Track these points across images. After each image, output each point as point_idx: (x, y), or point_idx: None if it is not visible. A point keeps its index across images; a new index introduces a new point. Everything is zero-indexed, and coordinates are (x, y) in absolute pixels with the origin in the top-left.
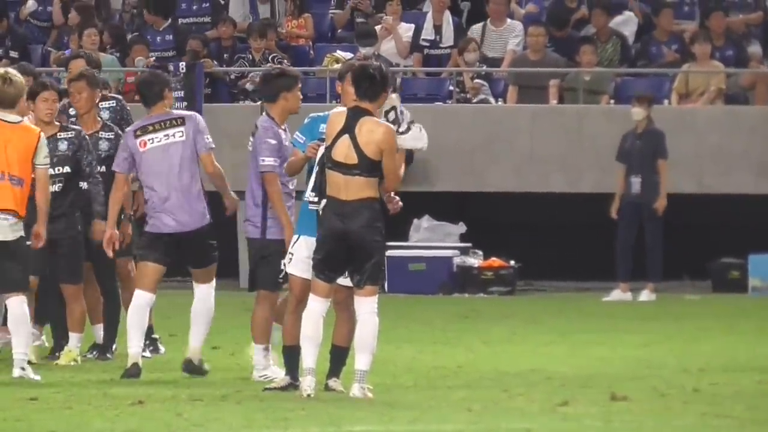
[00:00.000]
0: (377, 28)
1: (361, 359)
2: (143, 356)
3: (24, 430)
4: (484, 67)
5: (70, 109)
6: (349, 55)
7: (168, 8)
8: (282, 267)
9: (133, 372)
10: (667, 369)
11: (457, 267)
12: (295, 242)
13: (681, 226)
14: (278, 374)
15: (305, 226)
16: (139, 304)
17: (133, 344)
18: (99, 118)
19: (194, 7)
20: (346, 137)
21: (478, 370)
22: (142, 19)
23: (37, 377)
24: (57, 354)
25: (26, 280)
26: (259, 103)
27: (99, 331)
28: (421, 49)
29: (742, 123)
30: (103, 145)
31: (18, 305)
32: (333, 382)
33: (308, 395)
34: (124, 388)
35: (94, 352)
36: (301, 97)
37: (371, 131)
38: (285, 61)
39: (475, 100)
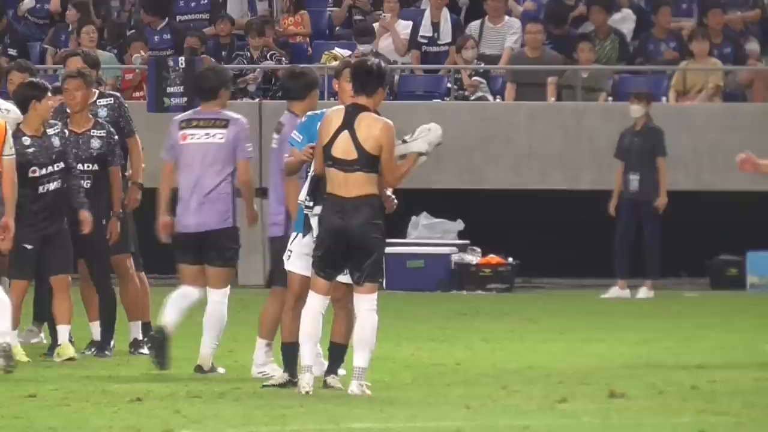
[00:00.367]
0: (375, 25)
1: (359, 356)
2: (141, 353)
3: (22, 427)
4: (482, 65)
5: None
6: (347, 52)
7: (165, 8)
8: None
9: (198, 370)
10: (665, 366)
11: (455, 264)
12: (294, 239)
13: (679, 223)
14: (276, 371)
15: (305, 223)
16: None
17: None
18: (90, 116)
19: (192, 4)
20: (345, 133)
21: (476, 367)
22: (140, 17)
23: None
24: (56, 351)
25: None
26: (257, 100)
27: (97, 328)
28: (419, 46)
29: (740, 120)
30: (95, 144)
31: None
32: (331, 379)
33: (307, 392)
34: (123, 385)
35: (93, 350)
36: None
37: (370, 126)
38: (283, 58)
39: (473, 98)
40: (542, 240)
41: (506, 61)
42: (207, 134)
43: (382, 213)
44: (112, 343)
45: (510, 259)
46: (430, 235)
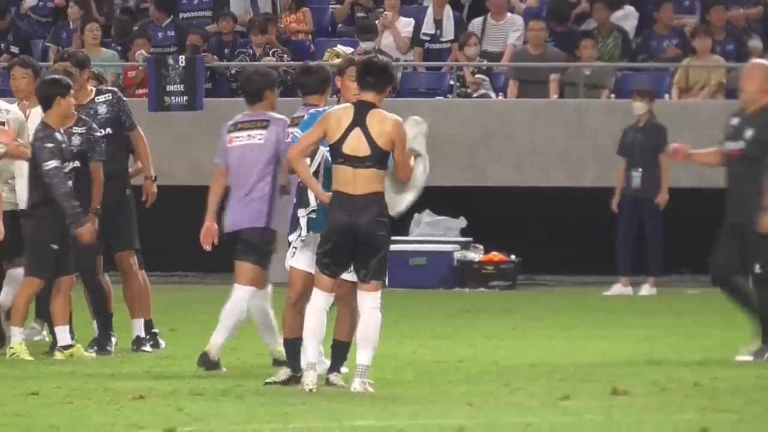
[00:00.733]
0: (377, 22)
1: (362, 354)
2: (143, 350)
3: (25, 424)
4: (485, 62)
5: None
6: (349, 49)
7: (172, 4)
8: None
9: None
10: (667, 363)
11: (457, 261)
12: (297, 236)
13: (681, 220)
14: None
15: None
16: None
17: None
18: (74, 113)
19: (195, 2)
20: (357, 130)
21: (479, 364)
22: (143, 14)
23: None
24: (59, 349)
25: None
26: None
27: None
28: (422, 44)
29: None
30: (75, 140)
31: None
32: (334, 377)
33: (310, 390)
34: (125, 383)
35: (95, 348)
36: None
37: (382, 123)
38: (285, 56)
39: (475, 95)
40: (545, 237)
41: (509, 58)
42: (249, 135)
43: (387, 210)
44: (114, 340)
45: (512, 257)
46: (433, 233)
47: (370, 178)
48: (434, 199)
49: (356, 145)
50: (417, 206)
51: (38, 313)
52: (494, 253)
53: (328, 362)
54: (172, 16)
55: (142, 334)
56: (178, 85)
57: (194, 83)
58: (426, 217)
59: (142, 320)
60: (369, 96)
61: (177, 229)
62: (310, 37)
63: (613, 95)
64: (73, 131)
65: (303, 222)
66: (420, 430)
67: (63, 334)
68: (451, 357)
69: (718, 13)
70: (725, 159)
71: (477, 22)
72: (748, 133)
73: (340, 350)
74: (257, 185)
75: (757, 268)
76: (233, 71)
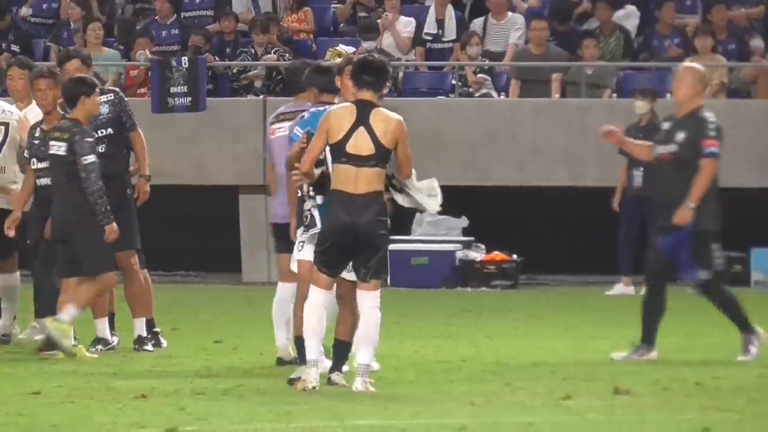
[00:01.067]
0: (379, 22)
1: (363, 353)
2: (145, 350)
3: (26, 424)
4: (487, 61)
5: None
6: (351, 49)
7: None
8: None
9: (281, 363)
10: (669, 362)
11: (459, 261)
12: (305, 230)
13: None
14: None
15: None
16: (280, 299)
17: (280, 337)
18: (60, 114)
19: (197, 1)
20: (362, 129)
21: (480, 364)
22: (145, 12)
23: None
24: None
25: None
26: (261, 97)
27: (101, 325)
28: (424, 43)
29: (745, 117)
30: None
31: None
32: (335, 376)
33: (313, 387)
34: (127, 382)
35: (99, 347)
36: None
37: (386, 122)
38: (287, 55)
39: (477, 94)
40: (547, 237)
41: (510, 58)
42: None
43: (386, 210)
44: (116, 339)
45: (514, 256)
46: (435, 232)
47: (372, 177)
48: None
49: (361, 144)
50: None
51: (38, 313)
52: (496, 252)
53: (328, 362)
54: (176, 15)
55: (144, 334)
56: (182, 87)
57: (197, 84)
58: (428, 216)
59: (144, 319)
60: (367, 95)
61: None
62: (311, 36)
63: (615, 95)
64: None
65: (315, 213)
66: (422, 429)
67: (102, 328)
68: (453, 356)
69: (719, 12)
70: (656, 163)
71: (478, 21)
72: (680, 136)
73: (341, 350)
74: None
75: (705, 275)
76: (235, 71)
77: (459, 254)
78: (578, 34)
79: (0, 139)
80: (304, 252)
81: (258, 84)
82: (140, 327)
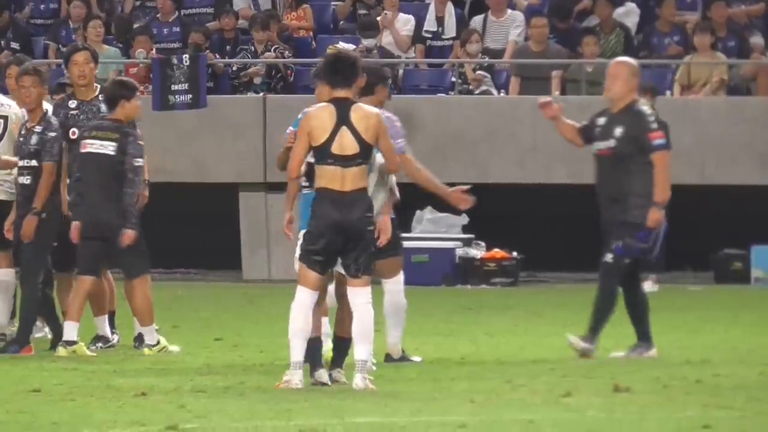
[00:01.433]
0: (378, 19)
1: (361, 349)
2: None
3: (27, 421)
4: (487, 59)
5: (70, 102)
6: (351, 46)
7: None
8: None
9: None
10: (669, 360)
11: (459, 259)
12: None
13: (683, 217)
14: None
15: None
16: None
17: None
18: (43, 111)
19: None
20: (344, 129)
21: (480, 361)
22: (145, 10)
23: None
24: (63, 344)
25: None
26: (261, 95)
27: (101, 323)
28: (424, 41)
29: (745, 114)
30: (33, 139)
31: None
32: (337, 374)
33: (299, 389)
34: (127, 380)
35: (99, 344)
36: None
37: (366, 117)
38: (286, 52)
39: (477, 92)
40: (547, 234)
41: (510, 55)
42: None
43: (373, 206)
44: (117, 338)
45: (514, 254)
46: (435, 230)
47: (358, 175)
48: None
49: (346, 144)
50: (419, 203)
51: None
52: (496, 250)
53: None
54: (177, 12)
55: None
56: (183, 84)
57: (198, 81)
58: (428, 214)
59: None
60: (342, 92)
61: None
62: (311, 33)
63: None
64: (35, 130)
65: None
66: (422, 427)
67: (71, 330)
68: (453, 354)
69: (719, 9)
70: (596, 158)
71: (478, 19)
72: (618, 131)
73: (341, 347)
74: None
75: (609, 257)
76: (235, 68)
77: (459, 252)
78: (578, 31)
79: None
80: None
81: (257, 81)
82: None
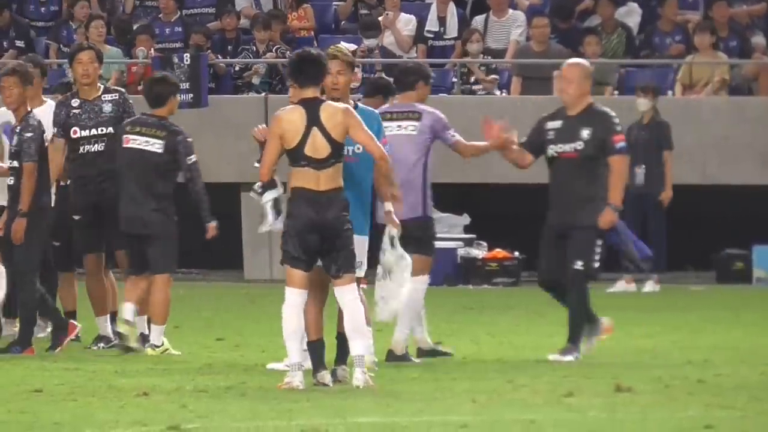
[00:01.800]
0: (380, 19)
1: (357, 345)
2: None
3: (28, 422)
4: (489, 58)
5: (73, 101)
6: (353, 46)
7: None
8: None
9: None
10: (671, 360)
11: (461, 258)
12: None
13: (685, 217)
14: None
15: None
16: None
17: (418, 330)
18: (27, 108)
19: None
20: (315, 130)
21: (482, 361)
22: (146, 10)
23: None
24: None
25: None
26: (263, 94)
27: (103, 323)
28: (426, 41)
29: (747, 114)
30: (15, 140)
31: None
32: (341, 371)
33: (300, 389)
34: (129, 380)
35: (101, 345)
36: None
37: (334, 114)
38: (288, 52)
39: (482, 93)
40: None
41: (512, 55)
42: (399, 126)
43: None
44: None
45: (516, 253)
46: (437, 230)
47: (332, 175)
48: (438, 196)
49: (318, 145)
50: None
51: (41, 312)
52: (498, 249)
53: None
54: (179, 12)
55: (146, 332)
56: (184, 83)
57: (199, 81)
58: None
59: (146, 317)
60: (310, 92)
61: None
62: (312, 33)
63: (616, 92)
64: (17, 130)
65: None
66: (424, 426)
67: (157, 333)
68: (455, 354)
69: (720, 9)
70: (554, 161)
71: (479, 19)
72: (585, 133)
73: (344, 342)
74: (410, 175)
75: (579, 265)
76: (237, 68)
77: (461, 252)
78: (580, 31)
79: None
80: None
81: (255, 81)
82: (142, 325)
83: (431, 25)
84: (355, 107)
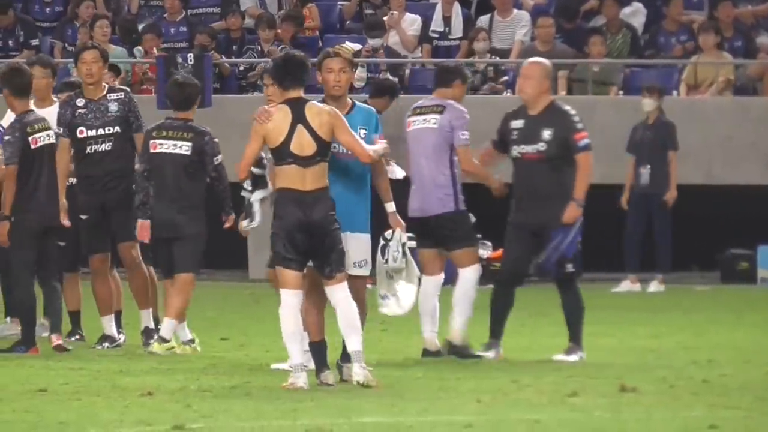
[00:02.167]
0: (385, 19)
1: (352, 341)
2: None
3: (33, 421)
4: (495, 58)
5: (78, 100)
6: (357, 46)
7: None
8: None
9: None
10: (676, 360)
11: None
12: None
13: (690, 217)
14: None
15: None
16: (424, 291)
17: (426, 329)
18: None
19: None
20: (300, 128)
21: (486, 361)
22: (151, 10)
23: None
24: (187, 342)
25: None
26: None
27: (108, 323)
28: (431, 41)
29: (751, 114)
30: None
31: None
32: (348, 369)
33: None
34: (133, 380)
35: (105, 344)
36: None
37: (319, 114)
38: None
39: (484, 91)
40: None
41: (517, 55)
42: (425, 119)
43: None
44: (123, 338)
45: None
46: None
47: (318, 173)
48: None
49: (303, 142)
50: None
51: (44, 311)
52: (502, 249)
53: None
54: (185, 12)
55: (151, 325)
56: None
57: (203, 80)
58: None
59: (150, 311)
60: (295, 93)
61: None
62: (317, 33)
63: (621, 92)
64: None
65: (256, 207)
66: (428, 426)
67: (182, 331)
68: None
69: (725, 9)
70: (518, 162)
71: (484, 19)
72: (546, 133)
73: None
74: (436, 171)
75: (569, 267)
76: (241, 68)
77: None
78: (585, 31)
79: None
80: None
81: (261, 83)
82: (147, 318)
83: (436, 25)
84: (353, 106)
